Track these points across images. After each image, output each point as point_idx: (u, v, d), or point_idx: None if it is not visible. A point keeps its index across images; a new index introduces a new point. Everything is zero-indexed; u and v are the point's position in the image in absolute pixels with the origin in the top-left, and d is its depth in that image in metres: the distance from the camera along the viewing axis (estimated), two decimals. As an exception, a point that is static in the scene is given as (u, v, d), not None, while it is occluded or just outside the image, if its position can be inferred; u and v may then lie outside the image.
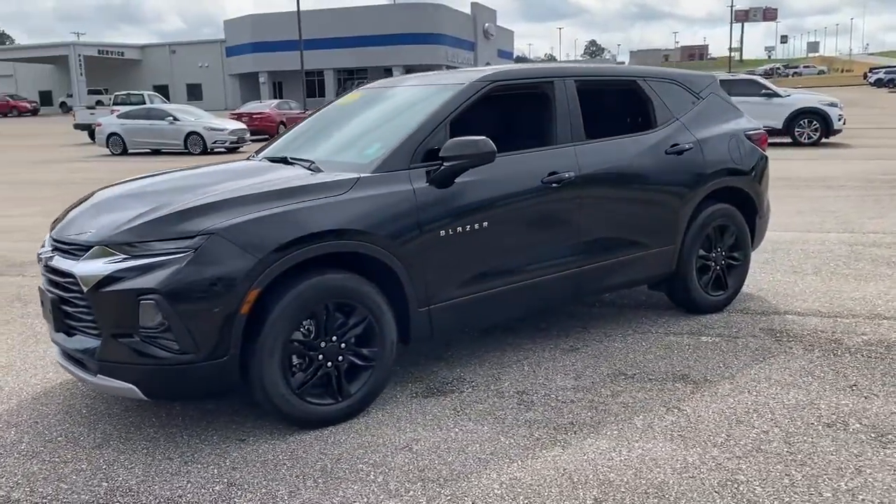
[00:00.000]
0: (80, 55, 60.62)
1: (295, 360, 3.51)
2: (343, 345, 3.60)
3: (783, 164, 14.46)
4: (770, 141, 18.72)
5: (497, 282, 4.10)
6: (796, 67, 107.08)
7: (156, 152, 23.39)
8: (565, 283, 4.41)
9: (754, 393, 3.85)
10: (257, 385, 3.39)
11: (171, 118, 22.52)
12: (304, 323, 3.51)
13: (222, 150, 22.12)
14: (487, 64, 65.68)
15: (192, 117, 22.97)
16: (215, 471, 3.24)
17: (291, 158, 4.25)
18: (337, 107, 4.96)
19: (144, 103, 31.40)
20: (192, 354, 3.24)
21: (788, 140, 18.47)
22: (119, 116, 23.86)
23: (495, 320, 4.35)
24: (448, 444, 3.41)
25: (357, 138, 4.29)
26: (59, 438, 3.61)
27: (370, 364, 3.70)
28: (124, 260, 3.29)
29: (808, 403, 3.70)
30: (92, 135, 25.10)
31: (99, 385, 3.42)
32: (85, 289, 3.31)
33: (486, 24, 67.67)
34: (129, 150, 23.28)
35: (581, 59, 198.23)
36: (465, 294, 3.98)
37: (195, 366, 3.25)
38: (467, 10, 65.37)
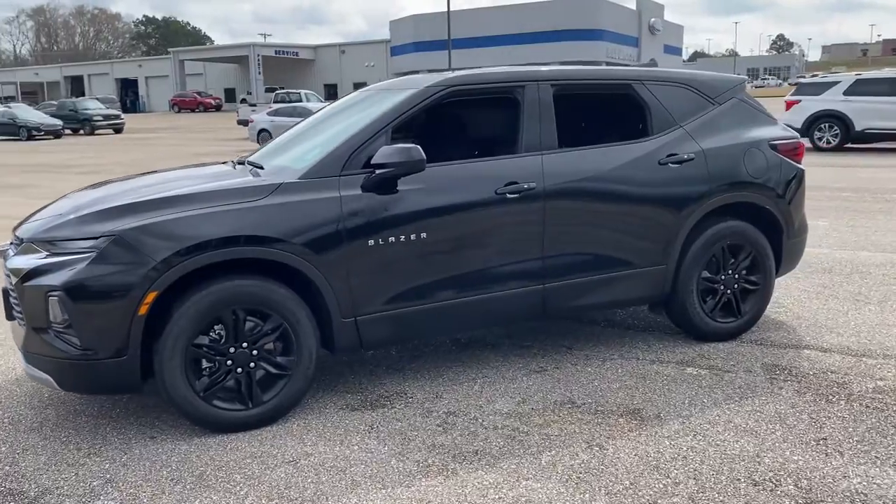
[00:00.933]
0: (258, 55, 65.10)
1: (204, 363, 3.54)
2: (255, 352, 3.59)
3: (935, 174, 12.84)
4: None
5: (440, 295, 3.92)
6: None
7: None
8: (526, 300, 4.14)
9: (700, 437, 3.43)
10: (160, 385, 3.46)
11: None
12: (215, 327, 3.54)
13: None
14: (651, 60, 63.34)
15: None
16: (107, 466, 3.34)
17: (249, 163, 4.29)
18: (328, 108, 4.95)
19: (301, 101, 33.17)
20: (93, 351, 3.36)
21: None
22: (269, 114, 25.36)
23: (441, 334, 4.17)
24: (336, 462, 3.30)
25: (313, 143, 4.25)
26: (4, 419, 3.87)
27: (285, 373, 3.66)
28: (45, 257, 3.46)
29: (752, 456, 3.24)
30: (254, 130, 26.79)
31: (27, 372, 3.63)
32: (14, 281, 3.53)
33: (653, 20, 65.17)
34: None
35: (766, 54, 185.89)
36: (400, 306, 3.85)
37: (97, 362, 3.37)
38: (632, 5, 63.33)
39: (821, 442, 3.35)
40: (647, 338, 4.84)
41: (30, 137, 33.63)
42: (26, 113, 35.89)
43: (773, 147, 4.69)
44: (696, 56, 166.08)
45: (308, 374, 3.71)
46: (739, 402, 3.80)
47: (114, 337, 3.35)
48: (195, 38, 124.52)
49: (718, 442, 3.38)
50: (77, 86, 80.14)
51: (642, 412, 3.72)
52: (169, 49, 76.06)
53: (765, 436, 3.42)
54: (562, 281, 4.19)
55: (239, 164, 4.45)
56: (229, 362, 3.55)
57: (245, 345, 3.56)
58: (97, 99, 48.27)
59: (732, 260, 4.63)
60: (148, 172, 4.66)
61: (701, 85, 4.67)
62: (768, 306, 4.97)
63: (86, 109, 38.08)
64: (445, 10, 45.34)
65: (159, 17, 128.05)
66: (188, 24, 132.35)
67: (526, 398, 3.93)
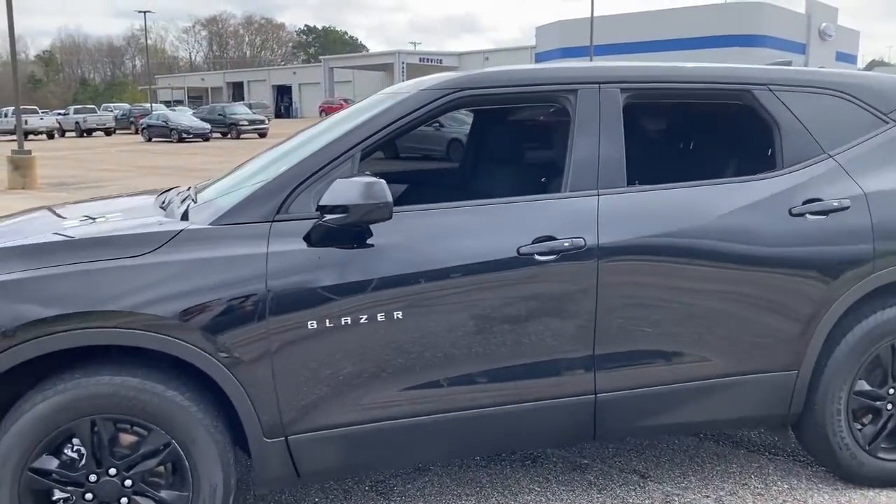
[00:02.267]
0: (403, 63, 65.63)
1: (57, 494, 2.40)
2: (129, 481, 2.41)
3: None
4: None
5: (421, 407, 2.59)
6: None
7: (426, 157, 23.78)
8: (566, 417, 2.72)
9: None
10: (-14, 525, 2.35)
11: (438, 124, 22.66)
12: (73, 441, 2.39)
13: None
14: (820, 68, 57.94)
15: (458, 124, 22.95)
16: None
17: (194, 192, 3.11)
18: (337, 115, 3.72)
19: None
20: None
21: None
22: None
23: (423, 461, 2.84)
24: None
25: (270, 169, 3.02)
26: None
27: (174, 515, 2.45)
28: None
29: None
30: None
31: None
32: None
33: (824, 24, 59.74)
34: (401, 155, 23.97)
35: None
36: (358, 421, 2.55)
37: None
38: (801, 9, 58.37)
39: None
40: (766, 468, 3.24)
41: (180, 140, 35.09)
42: (178, 117, 37.60)
43: None
44: (874, 64, 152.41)
45: (213, 517, 2.48)
46: None
47: (-90, 452, 2.28)
48: (353, 47, 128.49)
49: None
50: (238, 91, 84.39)
51: None
52: (320, 57, 78.60)
53: None
54: (623, 390, 2.73)
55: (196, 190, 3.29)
56: (89, 495, 2.39)
57: (114, 471, 2.39)
58: (248, 104, 50.11)
59: (909, 365, 2.97)
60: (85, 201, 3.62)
61: (867, 93, 3.03)
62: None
63: (233, 114, 39.35)
64: (592, 16, 43.33)
65: (320, 26, 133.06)
66: (346, 33, 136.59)
67: (548, 578, 2.50)
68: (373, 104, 2.98)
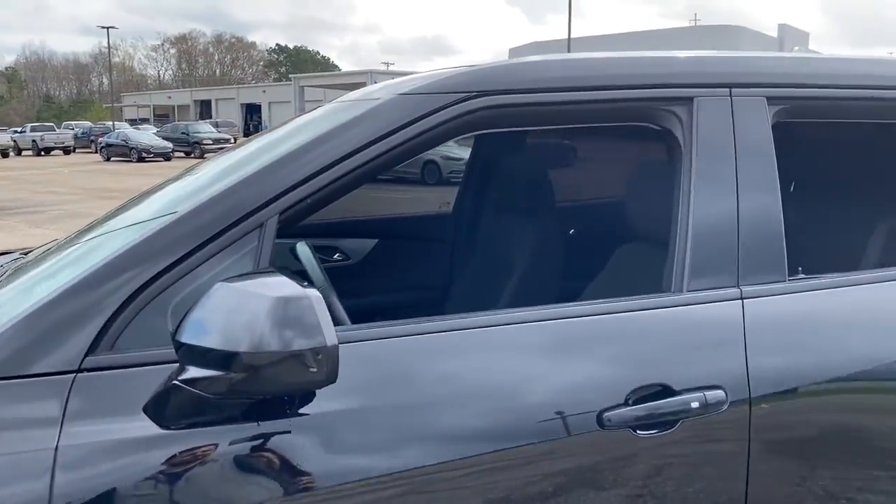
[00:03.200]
0: (375, 82, 64.77)
1: None
2: None
3: None
4: None
5: None
6: None
7: (399, 180, 22.52)
8: None
9: None
10: None
11: (411, 144, 21.55)
12: None
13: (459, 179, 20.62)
14: (793, 92, 58.09)
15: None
16: None
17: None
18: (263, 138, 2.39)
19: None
20: None
21: None
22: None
23: None
24: None
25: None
26: None
27: None
28: None
29: None
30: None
31: None
32: None
33: (796, 48, 60.14)
34: (378, 177, 22.70)
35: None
36: None
37: None
38: (773, 33, 58.58)
39: None
40: None
41: (140, 159, 33.48)
42: (139, 135, 36.06)
43: None
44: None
45: None
46: None
47: None
48: (324, 66, 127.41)
49: None
50: (206, 109, 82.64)
51: None
52: (290, 75, 77.36)
53: None
54: None
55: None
56: None
57: None
58: (215, 123, 48.58)
59: None
60: None
61: None
62: None
63: (196, 133, 37.96)
64: (569, 37, 42.69)
65: (291, 46, 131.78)
66: (317, 53, 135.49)
67: None
68: (318, 120, 1.67)
